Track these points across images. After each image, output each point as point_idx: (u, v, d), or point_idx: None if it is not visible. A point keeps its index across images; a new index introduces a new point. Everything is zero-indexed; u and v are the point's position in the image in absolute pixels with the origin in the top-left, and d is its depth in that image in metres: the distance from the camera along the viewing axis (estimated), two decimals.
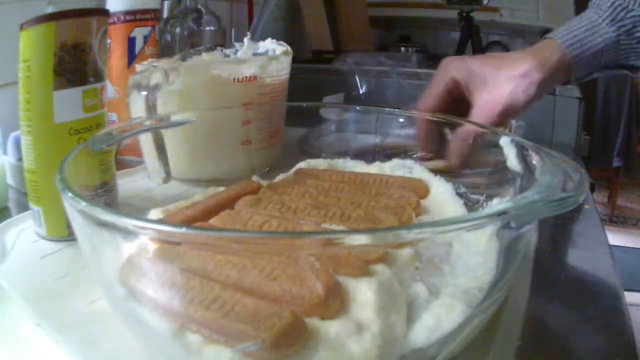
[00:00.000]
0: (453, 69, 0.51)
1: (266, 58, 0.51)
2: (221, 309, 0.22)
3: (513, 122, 0.73)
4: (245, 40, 0.56)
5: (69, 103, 0.38)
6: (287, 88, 0.54)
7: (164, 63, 0.47)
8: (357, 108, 0.50)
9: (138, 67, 0.46)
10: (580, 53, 0.51)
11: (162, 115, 0.43)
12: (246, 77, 0.49)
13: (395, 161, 0.45)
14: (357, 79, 0.87)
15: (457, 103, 0.51)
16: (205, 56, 0.55)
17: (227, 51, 0.57)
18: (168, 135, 0.43)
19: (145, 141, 0.42)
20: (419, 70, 0.90)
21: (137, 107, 0.42)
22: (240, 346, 0.21)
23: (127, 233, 0.23)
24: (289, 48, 0.53)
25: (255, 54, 0.56)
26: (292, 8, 1.11)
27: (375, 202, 0.35)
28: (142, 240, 0.24)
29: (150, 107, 0.42)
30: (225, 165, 0.50)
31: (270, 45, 0.55)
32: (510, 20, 1.28)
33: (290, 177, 0.42)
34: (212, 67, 0.48)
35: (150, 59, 0.51)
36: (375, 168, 0.44)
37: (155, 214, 0.36)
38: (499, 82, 0.51)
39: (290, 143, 0.56)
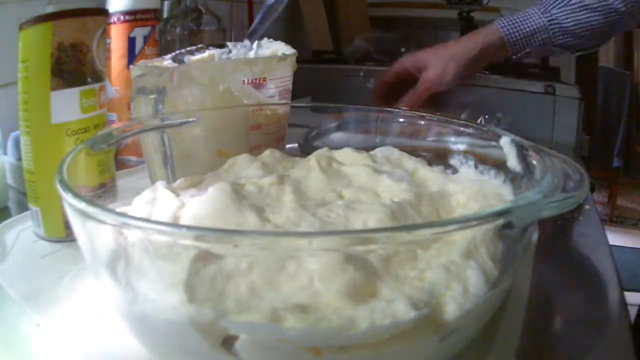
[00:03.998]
0: (405, 59, 0.73)
1: (275, 59, 0.49)
2: None
3: (499, 114, 0.78)
4: (246, 41, 0.55)
5: (66, 104, 0.38)
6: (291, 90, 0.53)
7: (157, 64, 0.47)
8: (357, 108, 0.50)
9: (132, 68, 0.45)
10: (513, 33, 0.70)
11: (162, 116, 0.43)
12: (256, 79, 0.48)
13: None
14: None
15: (404, 85, 0.72)
16: (198, 57, 0.53)
17: (219, 51, 0.55)
18: (173, 139, 0.42)
19: (149, 145, 0.42)
20: None
21: (142, 111, 0.42)
22: None
23: (126, 232, 0.23)
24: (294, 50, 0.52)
25: (256, 55, 0.54)
26: (292, 8, 1.11)
27: None
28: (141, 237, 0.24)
29: (159, 110, 0.42)
30: None
31: (273, 45, 0.54)
32: None
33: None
34: (220, 68, 0.47)
35: (142, 61, 0.51)
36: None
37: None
38: (432, 64, 0.69)
39: (291, 143, 0.56)
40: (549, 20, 0.69)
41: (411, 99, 0.71)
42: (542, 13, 0.70)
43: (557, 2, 0.69)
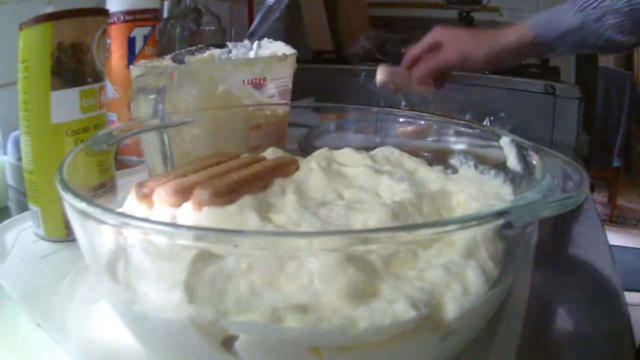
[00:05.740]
0: (437, 32, 0.69)
1: (275, 59, 0.49)
2: None
3: (502, 114, 0.76)
4: (246, 42, 0.55)
5: (66, 104, 0.38)
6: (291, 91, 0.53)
7: (157, 63, 0.47)
8: (357, 108, 0.50)
9: (132, 68, 0.45)
10: (544, 34, 0.63)
11: (162, 115, 0.43)
12: (256, 79, 0.48)
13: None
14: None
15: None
16: (198, 57, 0.53)
17: (219, 51, 0.55)
18: (173, 139, 0.42)
19: (149, 145, 0.42)
20: None
21: (142, 111, 0.42)
22: None
23: (127, 232, 0.23)
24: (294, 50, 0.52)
25: (256, 55, 0.54)
26: (292, 8, 1.11)
27: None
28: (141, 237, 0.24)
29: (158, 110, 0.42)
30: None
31: (273, 45, 0.54)
32: (510, 20, 1.27)
33: None
34: (220, 68, 0.47)
35: (142, 61, 0.51)
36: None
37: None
38: (460, 41, 0.68)
39: (291, 143, 0.56)
40: (582, 22, 0.61)
41: (421, 68, 0.70)
42: (576, 11, 0.62)
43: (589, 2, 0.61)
